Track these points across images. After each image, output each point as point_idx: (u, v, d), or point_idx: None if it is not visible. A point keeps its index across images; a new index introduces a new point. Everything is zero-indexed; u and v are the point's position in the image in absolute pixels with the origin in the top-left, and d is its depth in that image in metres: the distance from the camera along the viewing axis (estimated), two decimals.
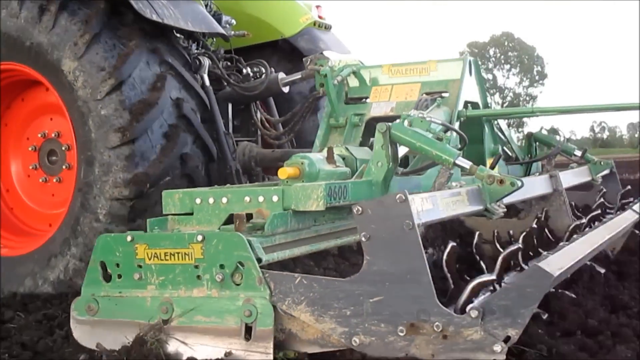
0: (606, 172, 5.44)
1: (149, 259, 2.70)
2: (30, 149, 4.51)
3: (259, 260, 2.62)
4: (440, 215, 2.74)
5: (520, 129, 48.26)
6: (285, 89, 4.98)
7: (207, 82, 4.64)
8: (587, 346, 2.81)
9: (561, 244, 3.33)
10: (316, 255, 3.99)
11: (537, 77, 75.77)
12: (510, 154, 5.32)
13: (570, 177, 5.21)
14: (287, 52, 5.46)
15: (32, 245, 4.32)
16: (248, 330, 2.54)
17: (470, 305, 2.37)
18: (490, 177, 3.15)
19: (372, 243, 2.43)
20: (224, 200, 3.03)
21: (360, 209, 2.46)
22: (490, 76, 74.01)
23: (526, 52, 75.08)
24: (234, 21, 5.22)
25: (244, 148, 4.84)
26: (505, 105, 70.26)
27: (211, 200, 3.05)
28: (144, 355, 2.57)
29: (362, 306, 2.44)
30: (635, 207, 4.36)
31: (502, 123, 5.09)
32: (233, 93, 4.86)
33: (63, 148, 4.43)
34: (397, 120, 3.38)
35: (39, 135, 4.47)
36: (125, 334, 2.67)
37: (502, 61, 75.99)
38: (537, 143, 5.29)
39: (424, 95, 4.31)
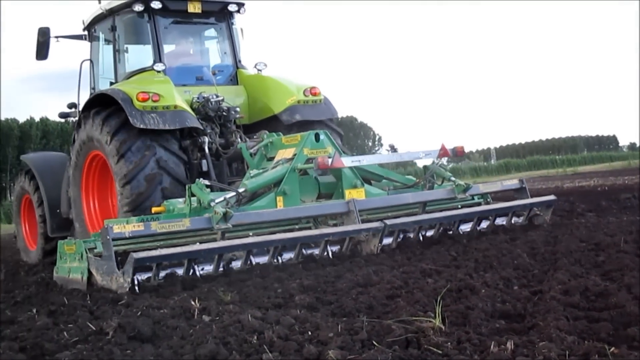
0: (474, 190, 7.97)
1: (67, 251, 7.08)
2: None
3: (91, 251, 6.81)
4: (152, 232, 6.53)
5: None
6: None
7: (207, 151, 8.74)
8: None
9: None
10: None
11: None
12: (397, 182, 8.28)
13: (433, 195, 7.98)
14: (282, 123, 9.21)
15: None
16: (83, 278, 6.73)
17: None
18: (214, 211, 6.73)
19: (106, 240, 6.40)
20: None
21: (101, 230, 6.47)
22: None
23: None
24: (238, 109, 9.17)
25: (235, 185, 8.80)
26: None
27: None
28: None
29: (104, 268, 6.45)
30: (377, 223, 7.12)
31: (376, 167, 8.12)
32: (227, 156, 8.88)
33: None
34: (195, 183, 7.14)
35: None
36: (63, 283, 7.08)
37: None
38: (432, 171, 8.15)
39: (278, 158, 7.82)
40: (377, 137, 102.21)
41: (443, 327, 3.77)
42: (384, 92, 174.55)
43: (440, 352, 3.41)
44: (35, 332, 4.55)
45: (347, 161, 7.14)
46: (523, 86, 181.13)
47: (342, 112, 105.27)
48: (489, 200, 8.68)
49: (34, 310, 5.41)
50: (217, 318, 4.51)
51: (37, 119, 60.81)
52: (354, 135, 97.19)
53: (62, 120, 10.68)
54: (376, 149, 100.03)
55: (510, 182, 8.62)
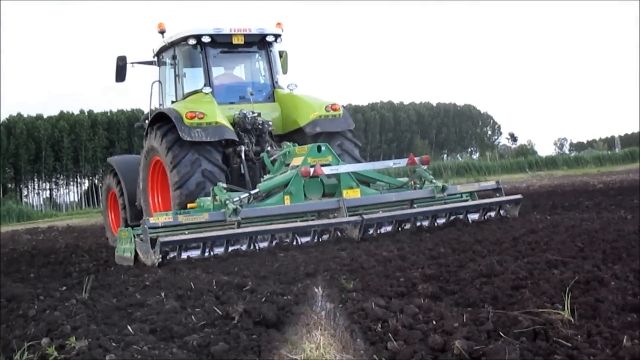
0: (451, 190, 9.96)
1: (123, 236, 9.64)
2: None
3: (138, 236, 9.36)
4: (178, 223, 8.95)
5: None
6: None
7: (244, 158, 11.11)
8: None
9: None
10: None
11: None
12: (388, 184, 10.38)
13: (415, 194, 10.03)
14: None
15: None
16: (131, 257, 9.26)
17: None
18: (227, 207, 9.08)
19: (144, 228, 8.89)
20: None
21: (142, 220, 8.98)
22: None
23: None
24: (270, 122, 11.46)
25: None
26: None
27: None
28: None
29: (143, 249, 8.94)
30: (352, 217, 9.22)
31: (370, 171, 10.24)
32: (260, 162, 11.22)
33: None
34: (216, 186, 9.53)
35: None
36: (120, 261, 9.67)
37: None
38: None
39: (292, 164, 10.09)
40: (496, 126, 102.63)
41: (572, 320, 3.72)
42: (507, 82, 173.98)
43: (569, 345, 3.35)
44: (164, 315, 4.86)
45: (327, 170, 9.33)
46: None
47: (459, 101, 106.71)
48: (475, 198, 10.60)
49: (163, 294, 5.79)
50: (341, 306, 4.59)
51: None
52: (472, 123, 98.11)
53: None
54: (495, 137, 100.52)
55: (487, 183, 10.52)
